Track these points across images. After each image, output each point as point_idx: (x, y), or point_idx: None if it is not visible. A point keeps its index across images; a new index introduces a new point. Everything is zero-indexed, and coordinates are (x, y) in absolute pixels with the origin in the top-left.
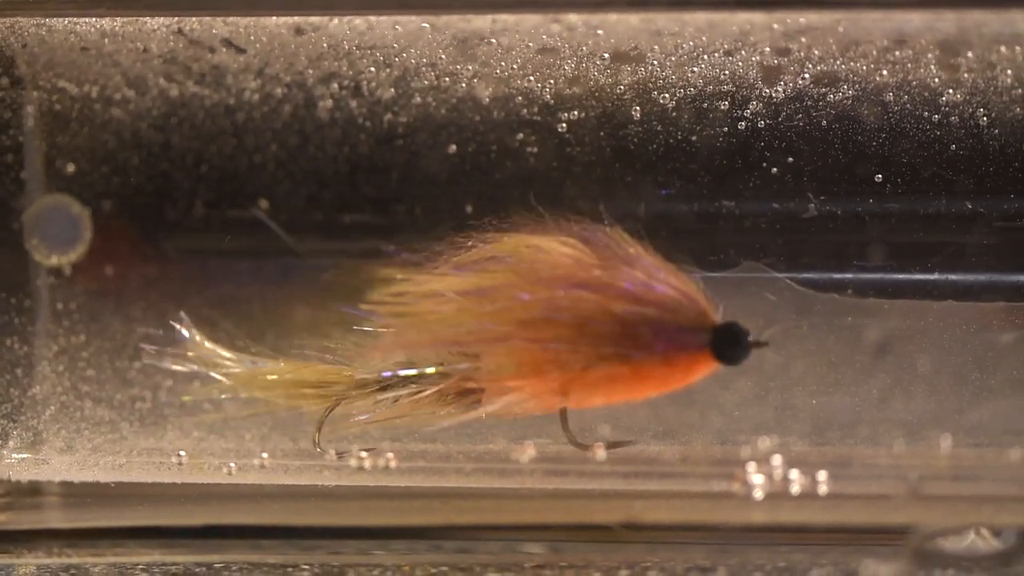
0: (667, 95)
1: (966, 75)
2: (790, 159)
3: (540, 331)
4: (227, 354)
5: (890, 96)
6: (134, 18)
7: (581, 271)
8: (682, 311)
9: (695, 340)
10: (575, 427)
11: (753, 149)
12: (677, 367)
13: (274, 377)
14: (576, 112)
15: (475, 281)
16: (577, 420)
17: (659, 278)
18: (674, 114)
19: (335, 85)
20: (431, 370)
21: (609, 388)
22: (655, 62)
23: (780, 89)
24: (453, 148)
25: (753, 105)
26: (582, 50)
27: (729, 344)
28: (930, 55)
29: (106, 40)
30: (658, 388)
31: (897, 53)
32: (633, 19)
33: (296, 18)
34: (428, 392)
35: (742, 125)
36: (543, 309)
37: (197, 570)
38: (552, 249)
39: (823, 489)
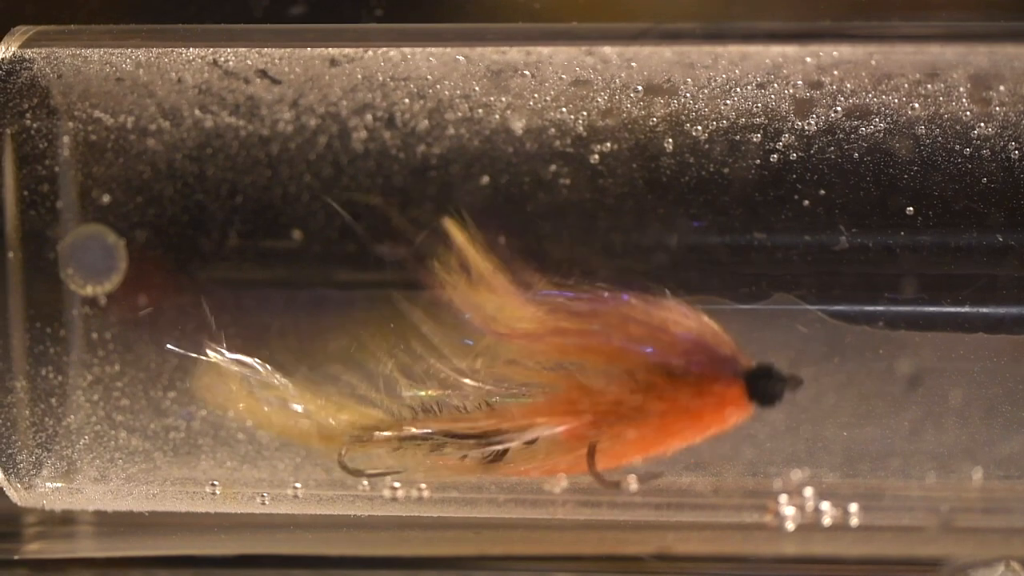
0: (700, 127)
1: (998, 108)
2: (822, 191)
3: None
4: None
5: (922, 129)
6: (169, 49)
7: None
8: (715, 356)
9: (729, 383)
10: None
11: (785, 181)
12: (711, 412)
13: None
14: (609, 144)
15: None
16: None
17: (691, 326)
18: (706, 146)
19: (369, 116)
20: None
21: (639, 436)
22: (688, 94)
23: (812, 122)
24: (486, 179)
25: (785, 137)
26: (615, 82)
27: (764, 386)
28: (962, 88)
29: (141, 71)
30: (691, 436)
31: (929, 86)
32: (667, 52)
33: (331, 49)
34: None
35: (774, 157)
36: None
37: None
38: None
39: (854, 521)
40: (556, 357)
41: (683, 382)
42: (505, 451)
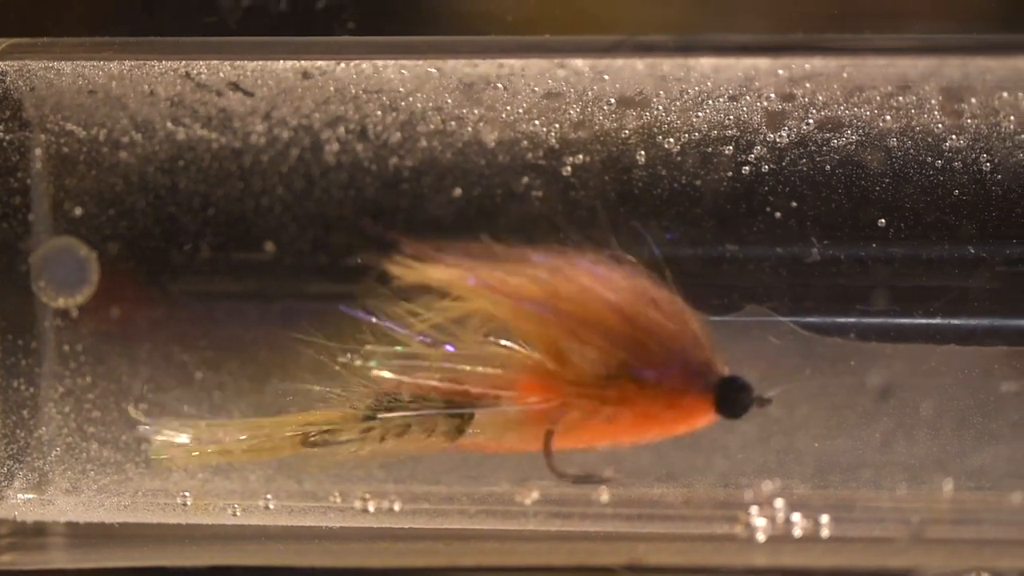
0: (672, 140)
1: (970, 121)
2: (794, 203)
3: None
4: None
5: (894, 141)
6: (141, 62)
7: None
8: (692, 356)
9: (699, 388)
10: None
11: (757, 193)
12: (676, 412)
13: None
14: (581, 156)
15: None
16: (580, 462)
17: (673, 317)
18: (678, 159)
19: (341, 129)
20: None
21: (602, 420)
22: (660, 107)
23: (784, 134)
24: (458, 191)
25: (757, 150)
26: (587, 95)
27: (732, 399)
28: (934, 101)
29: (113, 83)
30: (651, 432)
31: (901, 99)
32: (639, 64)
33: (303, 62)
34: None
35: (746, 170)
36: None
37: None
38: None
39: (825, 532)
40: (526, 327)
41: (651, 387)
42: (468, 423)
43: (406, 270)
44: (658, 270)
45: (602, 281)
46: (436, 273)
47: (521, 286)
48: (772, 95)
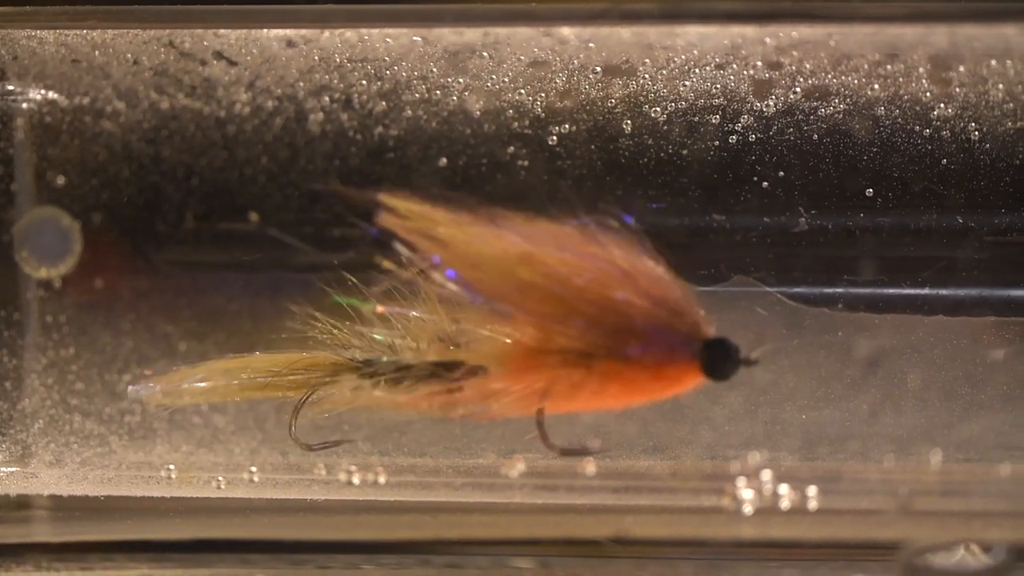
0: (658, 109)
1: (958, 89)
2: (781, 173)
3: (536, 307)
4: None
5: (881, 110)
6: (125, 30)
7: (587, 262)
8: (677, 319)
9: (686, 350)
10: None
11: (744, 163)
12: (663, 375)
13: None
14: (567, 125)
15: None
16: (566, 434)
17: (658, 281)
18: (665, 128)
19: (326, 98)
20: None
21: (592, 386)
22: (646, 76)
23: (771, 103)
24: (444, 161)
25: (744, 119)
26: (573, 63)
27: (719, 359)
28: (922, 69)
29: (97, 52)
30: (640, 395)
31: (889, 67)
32: (625, 33)
33: (287, 31)
34: (412, 377)
35: (733, 139)
36: (544, 288)
37: None
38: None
39: (813, 504)
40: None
41: (637, 355)
42: (459, 389)
43: (398, 220)
44: (641, 238)
45: (580, 253)
46: (430, 217)
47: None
48: (759, 63)
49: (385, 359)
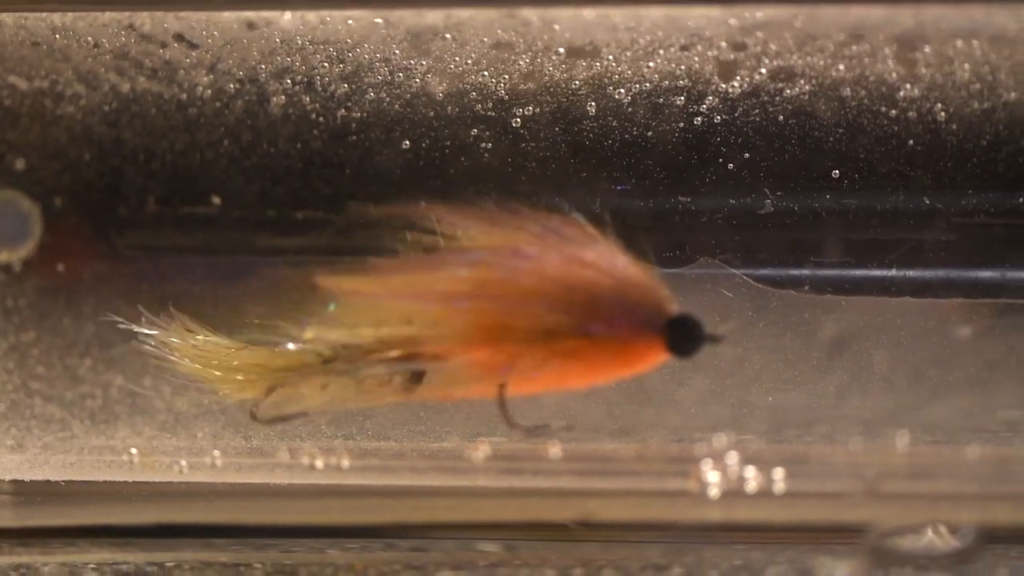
0: (622, 90)
1: (924, 70)
2: (746, 155)
3: (494, 299)
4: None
5: (847, 91)
6: (85, 13)
7: (540, 250)
8: (639, 298)
9: (649, 328)
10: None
11: (709, 145)
12: (628, 354)
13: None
14: (531, 108)
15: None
16: (531, 417)
17: (618, 265)
18: (629, 109)
19: (288, 80)
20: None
21: (555, 367)
22: (610, 57)
23: (736, 84)
24: (407, 144)
25: (709, 100)
26: (537, 45)
27: (683, 336)
28: (887, 50)
29: (57, 35)
30: (605, 375)
31: (854, 48)
32: (588, 14)
33: (248, 13)
34: (374, 368)
35: (698, 120)
36: (500, 280)
37: (148, 569)
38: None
39: (779, 487)
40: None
41: (600, 338)
42: (422, 375)
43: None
44: (601, 223)
45: (540, 246)
46: (364, 286)
47: (450, 280)
48: (723, 45)
49: (344, 346)
